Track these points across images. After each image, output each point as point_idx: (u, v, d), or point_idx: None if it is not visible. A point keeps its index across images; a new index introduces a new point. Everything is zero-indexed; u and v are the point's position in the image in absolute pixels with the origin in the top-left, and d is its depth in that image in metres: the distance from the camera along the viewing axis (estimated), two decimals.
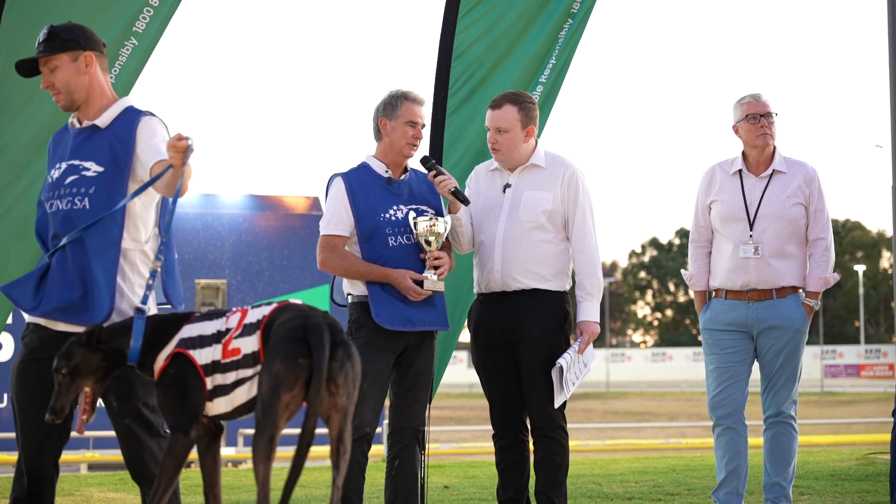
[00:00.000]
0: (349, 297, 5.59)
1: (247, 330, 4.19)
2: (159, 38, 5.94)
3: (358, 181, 5.55)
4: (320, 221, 5.57)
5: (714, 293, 6.21)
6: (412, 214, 5.51)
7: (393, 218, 5.50)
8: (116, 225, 4.58)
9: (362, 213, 5.49)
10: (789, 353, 6.04)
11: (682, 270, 6.43)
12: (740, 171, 6.14)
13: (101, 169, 4.61)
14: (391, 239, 5.48)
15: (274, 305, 4.22)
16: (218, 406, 4.22)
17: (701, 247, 6.26)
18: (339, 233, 5.51)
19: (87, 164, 4.63)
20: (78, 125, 4.74)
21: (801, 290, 6.12)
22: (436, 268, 5.49)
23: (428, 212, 5.57)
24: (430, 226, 5.46)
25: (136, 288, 4.60)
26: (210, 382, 4.20)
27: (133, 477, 4.65)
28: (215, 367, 4.20)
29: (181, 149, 4.31)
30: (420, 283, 5.45)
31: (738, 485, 6.09)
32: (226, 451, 15.72)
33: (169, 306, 4.73)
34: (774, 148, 6.15)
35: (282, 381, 3.96)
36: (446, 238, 5.63)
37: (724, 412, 6.10)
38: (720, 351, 6.12)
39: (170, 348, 4.26)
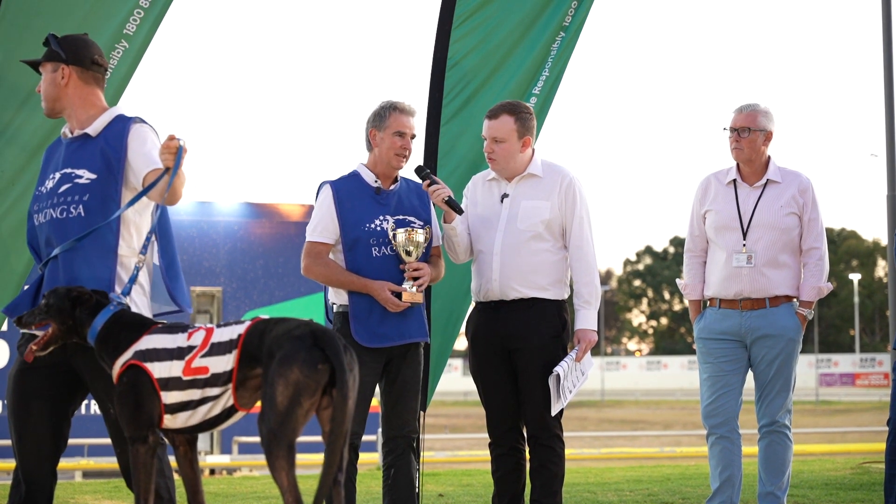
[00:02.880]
0: (334, 307, 5.59)
1: (216, 349, 4.23)
2: (150, 41, 5.93)
3: (346, 190, 5.55)
4: (307, 227, 5.58)
5: (708, 302, 6.24)
6: (392, 225, 5.52)
7: (378, 228, 5.50)
8: (112, 232, 4.61)
9: (348, 222, 5.49)
10: (783, 363, 6.06)
11: (678, 280, 6.46)
12: (735, 180, 6.17)
13: (93, 176, 4.64)
14: (374, 250, 5.48)
15: (248, 323, 4.27)
16: (179, 420, 4.28)
17: (696, 256, 6.28)
18: (324, 240, 5.52)
19: (79, 172, 4.66)
20: (70, 135, 4.78)
21: (794, 300, 6.15)
22: (415, 279, 5.50)
23: (413, 223, 5.56)
24: (409, 236, 5.45)
25: (133, 295, 4.62)
26: (168, 397, 4.24)
27: (128, 484, 4.65)
28: (175, 384, 4.24)
29: (173, 149, 4.41)
30: (399, 295, 5.46)
31: (731, 494, 6.10)
32: (220, 459, 15.70)
33: (179, 311, 4.79)
34: (769, 158, 6.17)
35: (303, 389, 4.03)
36: (433, 248, 5.64)
37: (718, 421, 6.12)
38: (714, 360, 6.14)
39: (126, 356, 4.30)
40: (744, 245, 6.05)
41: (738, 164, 6.19)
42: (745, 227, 6.07)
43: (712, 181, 6.24)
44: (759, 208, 6.07)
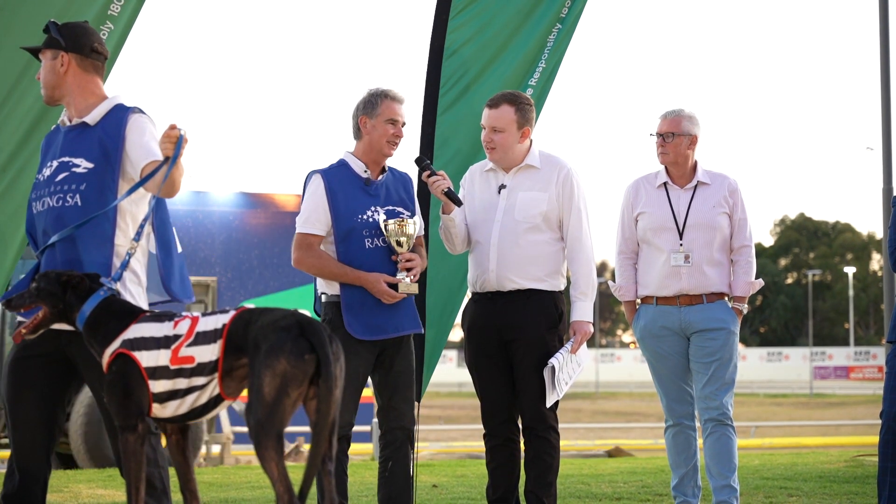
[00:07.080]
0: (323, 297, 5.53)
1: (201, 338, 4.24)
2: (134, 21, 5.86)
3: (337, 180, 5.48)
4: (297, 218, 5.50)
5: (642, 300, 6.36)
6: (384, 217, 5.48)
7: (370, 220, 5.44)
8: (109, 222, 4.61)
9: (340, 213, 5.42)
10: (724, 354, 6.19)
11: (610, 282, 6.58)
12: (665, 183, 6.31)
13: (91, 165, 4.64)
14: (367, 241, 5.43)
15: (232, 313, 4.28)
16: (168, 410, 4.29)
17: (628, 258, 6.41)
18: (316, 232, 5.45)
19: (77, 161, 4.65)
20: (68, 123, 4.77)
21: (726, 297, 6.28)
22: (408, 269, 5.47)
23: (402, 213, 5.53)
24: (400, 227, 5.42)
25: (127, 283, 4.62)
26: (156, 386, 4.25)
27: (122, 473, 4.65)
28: (162, 373, 4.25)
29: (173, 138, 4.42)
30: (394, 287, 5.43)
31: (697, 478, 6.29)
32: (214, 450, 15.70)
33: (171, 302, 4.80)
34: (696, 161, 6.32)
35: (290, 379, 4.05)
36: (417, 237, 5.60)
37: (678, 414, 6.26)
38: (661, 355, 6.28)
39: (115, 345, 4.31)
40: (681, 245, 6.20)
41: (666, 168, 6.32)
42: (681, 228, 6.22)
43: (642, 184, 6.39)
44: (693, 209, 6.23)
